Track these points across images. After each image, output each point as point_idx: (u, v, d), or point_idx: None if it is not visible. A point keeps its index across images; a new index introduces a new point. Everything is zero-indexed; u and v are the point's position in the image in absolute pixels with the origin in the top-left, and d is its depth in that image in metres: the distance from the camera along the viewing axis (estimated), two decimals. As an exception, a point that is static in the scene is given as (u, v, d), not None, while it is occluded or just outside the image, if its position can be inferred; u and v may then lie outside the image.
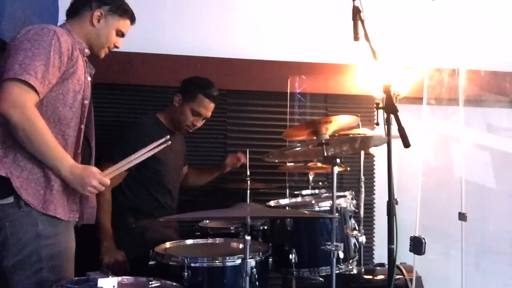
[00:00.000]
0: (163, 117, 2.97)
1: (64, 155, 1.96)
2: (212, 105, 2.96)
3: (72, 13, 2.20)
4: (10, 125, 1.84)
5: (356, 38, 2.05)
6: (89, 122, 2.19)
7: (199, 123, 2.97)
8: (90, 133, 2.22)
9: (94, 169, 2.01)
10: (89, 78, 2.15)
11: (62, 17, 3.20)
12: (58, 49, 1.94)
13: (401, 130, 1.83)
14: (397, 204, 1.92)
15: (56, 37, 1.95)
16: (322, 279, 2.66)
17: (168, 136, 2.18)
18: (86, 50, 2.17)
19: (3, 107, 1.81)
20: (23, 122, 1.83)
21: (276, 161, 2.87)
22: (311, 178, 3.18)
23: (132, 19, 2.31)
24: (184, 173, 3.18)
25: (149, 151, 2.14)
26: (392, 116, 1.90)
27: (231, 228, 2.80)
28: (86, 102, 2.11)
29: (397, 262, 2.21)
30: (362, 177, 3.10)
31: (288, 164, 3.10)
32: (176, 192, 3.00)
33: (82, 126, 2.11)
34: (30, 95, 1.85)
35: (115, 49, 3.23)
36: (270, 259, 2.30)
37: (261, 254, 2.15)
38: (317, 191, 3.11)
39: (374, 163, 3.68)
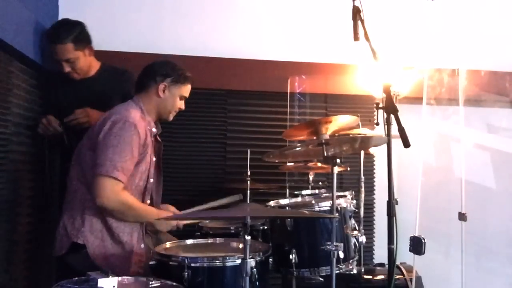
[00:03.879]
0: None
1: (152, 210, 2.43)
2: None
3: (140, 87, 2.49)
4: (107, 212, 2.27)
5: (356, 38, 2.05)
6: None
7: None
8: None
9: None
10: (154, 159, 2.47)
11: (62, 16, 3.22)
12: (138, 142, 2.30)
13: (401, 130, 1.83)
14: (397, 204, 1.92)
15: (136, 131, 2.28)
16: (322, 279, 2.66)
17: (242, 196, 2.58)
18: (154, 130, 2.47)
19: (101, 201, 2.21)
20: (119, 208, 2.27)
21: (276, 161, 2.87)
22: (311, 178, 3.17)
23: (191, 82, 2.56)
24: None
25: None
26: (392, 116, 1.90)
27: (231, 228, 2.79)
28: (152, 180, 2.47)
29: (397, 262, 2.21)
30: (362, 177, 3.09)
31: (288, 164, 3.10)
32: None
33: (147, 202, 2.48)
34: (119, 186, 2.25)
35: (115, 49, 3.28)
36: (271, 259, 2.29)
37: (261, 254, 2.14)
38: (317, 191, 3.11)
39: (374, 163, 3.68)
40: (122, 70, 2.93)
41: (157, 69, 2.48)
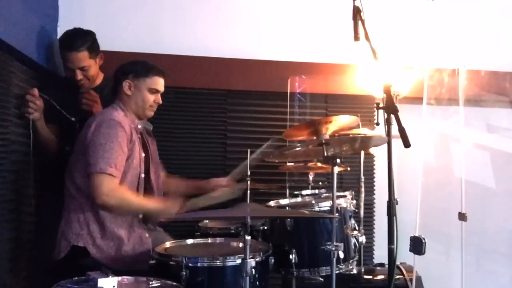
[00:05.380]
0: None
1: (153, 202, 2.49)
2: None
3: (115, 92, 2.56)
4: (109, 209, 2.33)
5: (356, 38, 2.05)
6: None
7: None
8: None
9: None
10: (143, 154, 2.52)
11: (62, 17, 3.22)
12: (124, 137, 2.37)
13: (401, 130, 1.83)
14: (397, 204, 1.92)
15: (122, 128, 2.37)
16: (322, 279, 2.66)
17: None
18: (139, 126, 2.55)
19: (101, 199, 2.27)
20: (120, 204, 2.32)
21: (276, 161, 2.87)
22: (311, 178, 3.17)
23: (159, 74, 2.57)
24: None
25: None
26: (392, 116, 1.90)
27: (231, 228, 2.79)
28: (142, 175, 2.51)
29: (397, 262, 2.21)
30: (362, 177, 3.09)
31: (288, 164, 3.10)
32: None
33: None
34: (115, 181, 2.31)
35: (115, 49, 3.27)
36: (272, 259, 2.29)
37: (261, 254, 2.14)
38: (317, 191, 3.11)
39: (374, 163, 3.68)
40: None
41: (119, 70, 2.57)
